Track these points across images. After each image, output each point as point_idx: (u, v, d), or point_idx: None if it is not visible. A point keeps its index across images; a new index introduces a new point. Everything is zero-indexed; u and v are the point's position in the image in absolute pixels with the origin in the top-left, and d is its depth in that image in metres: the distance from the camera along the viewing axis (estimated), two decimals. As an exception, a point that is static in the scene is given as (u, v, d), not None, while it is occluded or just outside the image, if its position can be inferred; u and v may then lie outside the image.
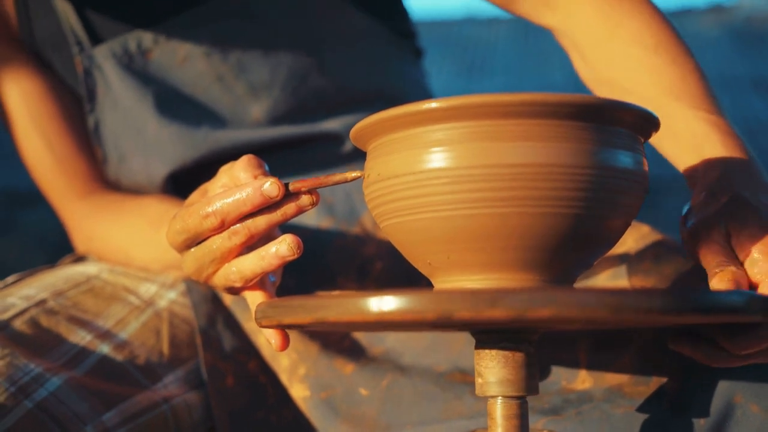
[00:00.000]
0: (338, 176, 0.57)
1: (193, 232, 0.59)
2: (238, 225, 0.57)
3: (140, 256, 0.84)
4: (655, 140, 0.69)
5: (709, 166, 0.64)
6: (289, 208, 0.57)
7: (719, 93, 0.71)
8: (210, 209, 0.57)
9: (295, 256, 0.57)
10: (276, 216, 0.57)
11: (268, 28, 0.87)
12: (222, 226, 0.57)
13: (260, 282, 0.61)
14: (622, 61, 0.73)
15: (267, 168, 0.61)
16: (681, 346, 0.60)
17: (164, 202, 0.85)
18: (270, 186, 0.56)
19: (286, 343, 0.59)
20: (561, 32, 0.79)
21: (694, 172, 0.66)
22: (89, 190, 0.90)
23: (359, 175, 0.56)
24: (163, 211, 0.83)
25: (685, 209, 0.62)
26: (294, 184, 0.57)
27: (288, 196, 0.57)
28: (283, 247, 0.57)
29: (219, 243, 0.58)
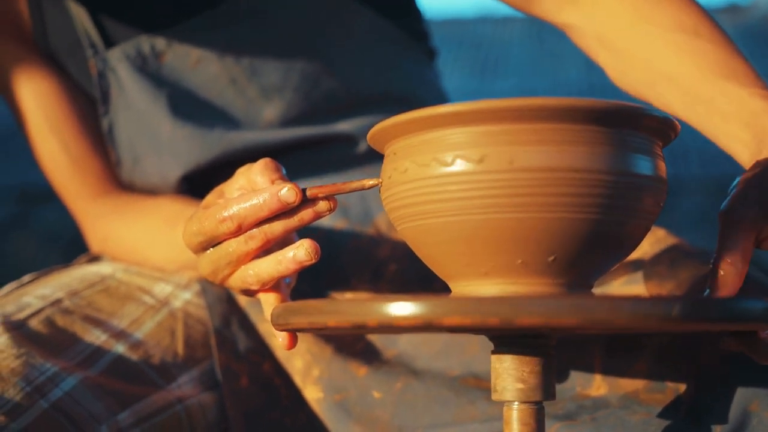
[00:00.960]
0: (356, 183, 0.57)
1: (209, 235, 0.59)
2: (254, 230, 0.57)
3: (155, 256, 0.84)
4: (701, 123, 0.67)
5: None
6: (306, 213, 0.57)
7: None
8: (226, 213, 0.57)
9: (313, 261, 0.56)
10: (293, 221, 0.57)
11: (279, 31, 0.87)
12: (238, 231, 0.57)
13: (275, 284, 0.61)
14: (660, 45, 0.71)
15: (284, 172, 0.60)
16: (731, 344, 0.57)
17: (178, 201, 0.85)
18: (287, 192, 0.56)
19: (293, 342, 0.59)
20: (581, 29, 0.77)
21: (751, 148, 0.63)
22: (104, 191, 0.91)
23: (377, 182, 0.56)
24: (178, 211, 0.83)
25: (736, 181, 0.59)
26: (311, 190, 0.57)
27: (305, 201, 0.57)
28: (300, 252, 0.56)
29: (235, 247, 0.58)
